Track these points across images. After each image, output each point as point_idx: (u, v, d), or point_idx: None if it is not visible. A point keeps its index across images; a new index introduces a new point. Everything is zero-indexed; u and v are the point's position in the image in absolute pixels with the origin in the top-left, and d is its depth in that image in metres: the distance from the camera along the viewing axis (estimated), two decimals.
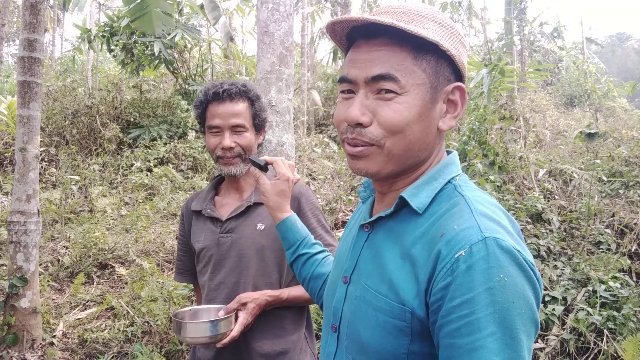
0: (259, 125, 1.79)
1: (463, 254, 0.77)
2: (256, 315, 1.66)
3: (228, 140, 1.71)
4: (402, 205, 0.93)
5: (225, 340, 1.57)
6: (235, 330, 1.59)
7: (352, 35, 0.95)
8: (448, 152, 1.01)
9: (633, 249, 4.81)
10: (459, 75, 0.94)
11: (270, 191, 1.39)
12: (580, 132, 7.26)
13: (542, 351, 3.45)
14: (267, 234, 1.74)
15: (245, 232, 1.75)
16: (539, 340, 3.54)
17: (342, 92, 0.95)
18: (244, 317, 1.62)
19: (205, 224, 1.81)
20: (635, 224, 5.09)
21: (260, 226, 1.75)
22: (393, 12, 0.91)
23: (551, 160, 7.18)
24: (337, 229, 5.78)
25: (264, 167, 1.43)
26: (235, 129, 1.73)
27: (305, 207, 1.78)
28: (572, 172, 6.40)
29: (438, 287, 0.79)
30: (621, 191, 6.02)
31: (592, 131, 7.30)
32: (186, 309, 1.71)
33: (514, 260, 0.77)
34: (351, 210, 6.38)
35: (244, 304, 1.64)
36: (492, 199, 0.91)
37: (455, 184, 0.93)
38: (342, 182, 7.40)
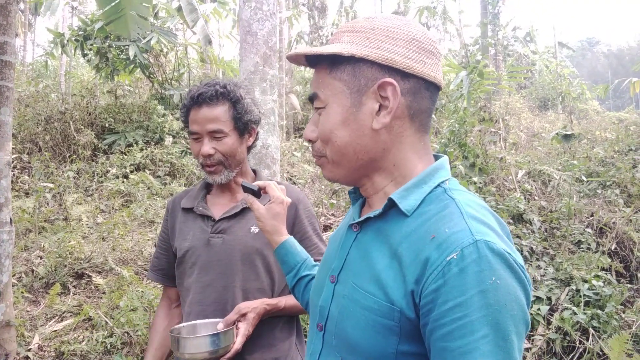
0: (242, 128, 1.69)
1: (455, 257, 0.78)
2: (255, 325, 1.59)
3: (207, 146, 1.63)
4: (391, 206, 0.93)
5: (229, 355, 1.50)
6: (238, 342, 1.52)
7: None
8: (437, 157, 1.01)
9: (612, 248, 4.88)
10: (396, 71, 0.91)
11: (265, 215, 1.36)
12: (557, 133, 7.37)
13: (528, 351, 3.45)
14: (260, 238, 1.67)
15: (239, 234, 1.68)
16: (526, 341, 3.55)
17: None
18: (245, 328, 1.55)
19: (195, 222, 1.73)
20: (613, 223, 5.16)
21: (254, 229, 1.68)
22: (328, 39, 1.03)
23: (529, 161, 7.26)
24: None
25: (257, 193, 1.38)
26: (214, 135, 1.64)
27: (302, 214, 1.74)
28: (550, 172, 6.48)
29: (428, 290, 0.79)
30: (599, 191, 6.11)
31: (568, 132, 7.42)
32: (182, 324, 1.62)
33: (505, 263, 0.78)
34: (332, 214, 6.35)
35: (244, 315, 1.57)
36: (481, 202, 0.92)
37: (445, 187, 0.93)
38: (323, 186, 7.36)
